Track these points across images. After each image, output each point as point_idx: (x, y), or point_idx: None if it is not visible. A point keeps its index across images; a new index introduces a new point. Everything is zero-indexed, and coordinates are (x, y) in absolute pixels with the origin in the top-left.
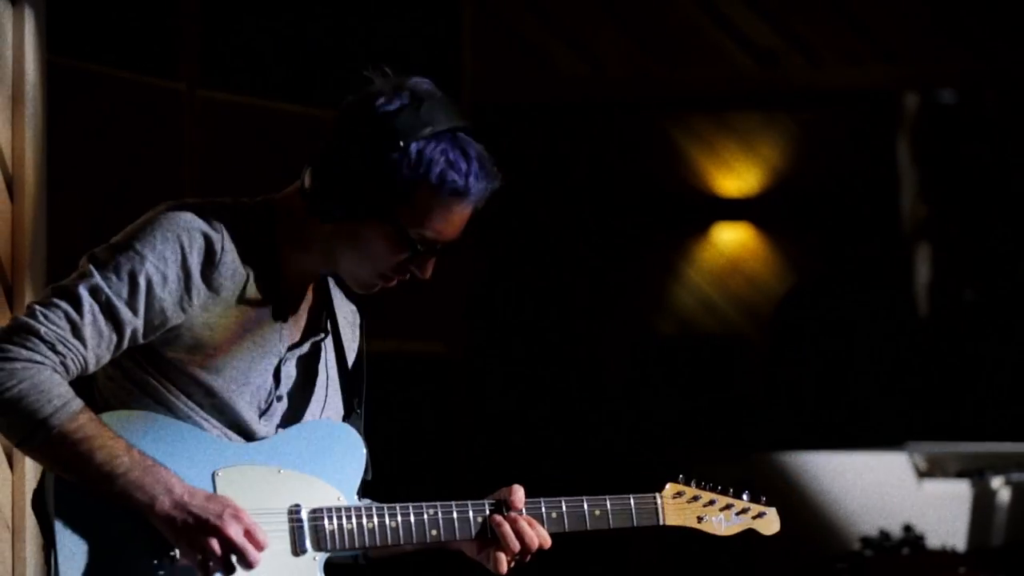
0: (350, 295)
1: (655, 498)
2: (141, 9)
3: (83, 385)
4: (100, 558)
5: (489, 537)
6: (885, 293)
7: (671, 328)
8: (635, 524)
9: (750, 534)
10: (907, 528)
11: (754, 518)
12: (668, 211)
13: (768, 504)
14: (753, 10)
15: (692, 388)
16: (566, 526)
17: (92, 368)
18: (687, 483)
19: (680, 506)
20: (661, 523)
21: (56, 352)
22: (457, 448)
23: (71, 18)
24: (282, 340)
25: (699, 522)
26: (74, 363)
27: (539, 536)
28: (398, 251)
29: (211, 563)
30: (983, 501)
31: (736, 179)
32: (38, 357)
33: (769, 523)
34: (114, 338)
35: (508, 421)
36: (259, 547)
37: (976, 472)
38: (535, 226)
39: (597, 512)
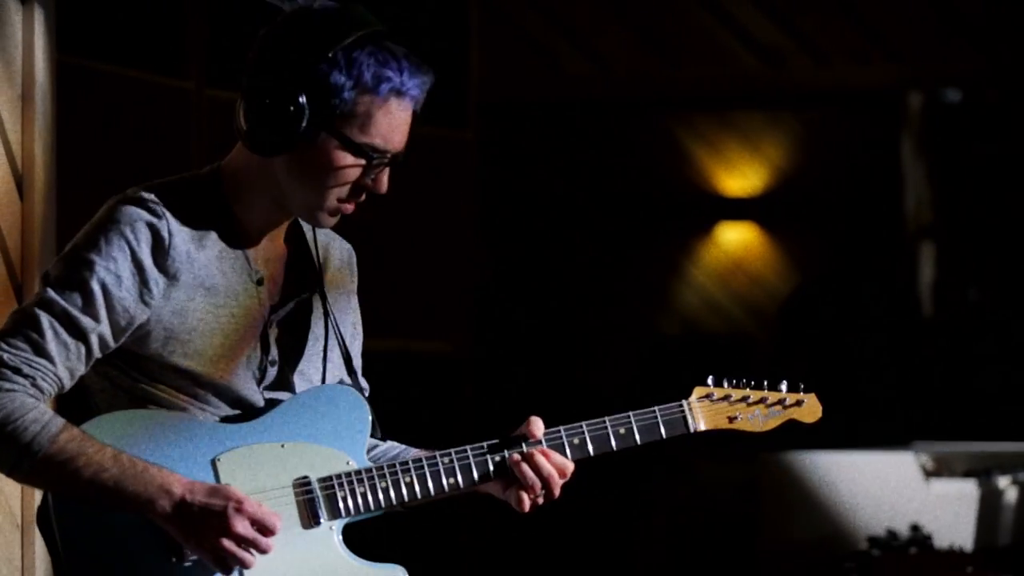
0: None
1: (682, 405)
2: (149, 8)
3: (80, 401)
4: (110, 565)
5: (510, 476)
6: (889, 292)
7: (675, 327)
8: (664, 436)
9: (791, 426)
10: (914, 528)
11: (789, 407)
12: (672, 210)
13: (807, 392)
14: (758, 8)
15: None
16: (591, 450)
17: (69, 383)
18: (717, 383)
19: (709, 408)
20: (692, 430)
21: (23, 375)
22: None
23: (79, 17)
24: (262, 304)
25: (732, 422)
26: (46, 382)
27: (558, 465)
28: (349, 166)
29: (225, 560)
30: (990, 501)
31: (740, 178)
32: (6, 384)
33: (810, 410)
34: (81, 349)
35: (514, 420)
36: (270, 532)
37: (983, 472)
38: (540, 224)
39: (622, 431)
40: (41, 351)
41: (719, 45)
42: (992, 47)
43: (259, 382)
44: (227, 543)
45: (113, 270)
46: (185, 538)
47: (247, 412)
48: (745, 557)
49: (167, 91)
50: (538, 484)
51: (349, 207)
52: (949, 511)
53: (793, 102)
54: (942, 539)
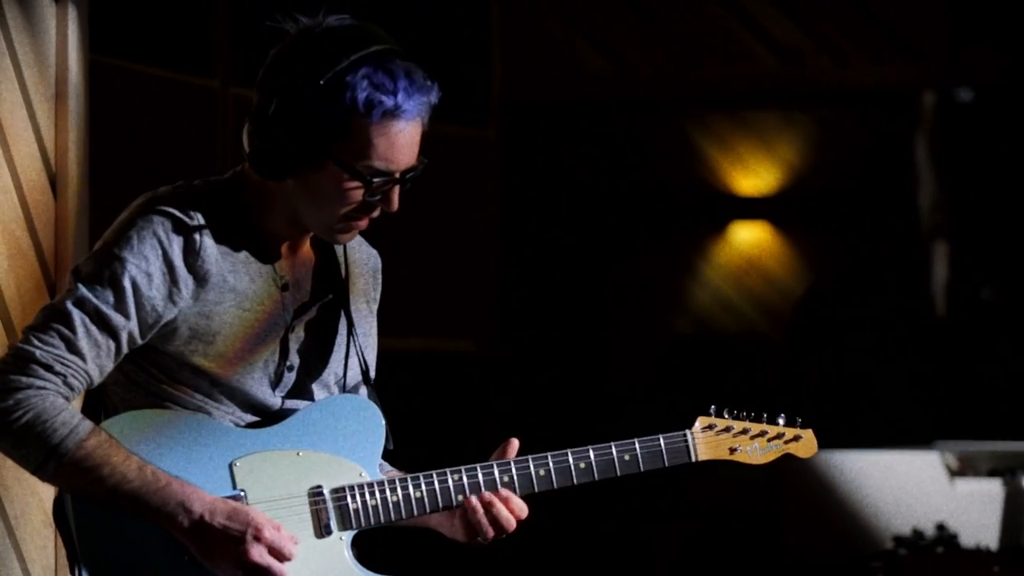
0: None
1: (685, 435)
2: (175, 7)
3: (93, 392)
4: (125, 563)
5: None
6: (902, 292)
7: (688, 327)
8: (666, 464)
9: (785, 461)
10: (940, 527)
11: (788, 442)
12: (686, 210)
13: (804, 427)
14: (778, 9)
15: (711, 387)
16: (595, 474)
17: (98, 379)
18: (719, 414)
19: (711, 439)
20: (694, 460)
21: (55, 373)
22: (486, 445)
23: (110, 17)
24: (286, 309)
25: (732, 453)
26: (76, 379)
27: (516, 512)
28: (352, 189)
29: None
30: (1015, 500)
31: (754, 178)
32: (39, 382)
33: (807, 446)
34: (112, 345)
35: (535, 418)
36: (285, 559)
37: (1008, 471)
38: (558, 223)
39: (626, 457)
40: (73, 348)
41: (739, 45)
42: (1003, 47)
43: (274, 386)
44: (242, 571)
45: (144, 269)
46: (201, 555)
47: (260, 415)
48: (770, 557)
49: (193, 89)
50: (489, 532)
51: (361, 224)
52: (974, 510)
53: (807, 102)
54: (967, 538)
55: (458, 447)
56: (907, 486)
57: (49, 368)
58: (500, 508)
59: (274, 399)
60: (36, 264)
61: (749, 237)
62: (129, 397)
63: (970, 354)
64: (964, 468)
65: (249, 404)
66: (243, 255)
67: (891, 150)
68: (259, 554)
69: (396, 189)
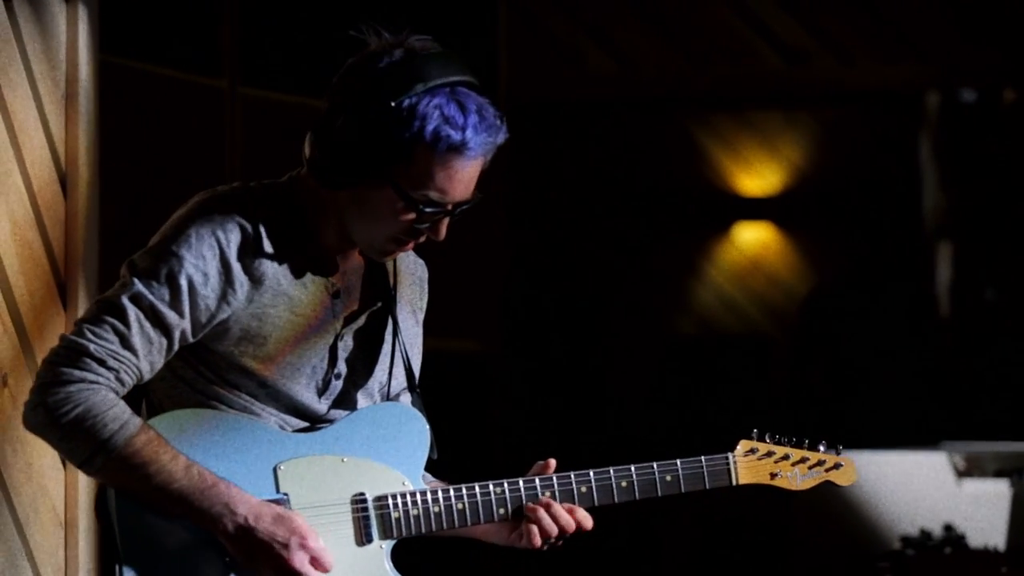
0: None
1: (727, 458)
2: (183, 7)
3: (136, 388)
4: (165, 562)
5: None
6: (906, 292)
7: (692, 327)
8: (707, 487)
9: (828, 491)
10: (948, 527)
11: (829, 470)
12: (689, 210)
13: (843, 455)
14: (784, 9)
15: (714, 387)
16: (637, 494)
17: (148, 376)
18: (760, 438)
19: (752, 464)
20: (734, 483)
21: (108, 368)
22: (490, 446)
23: (119, 17)
24: (336, 317)
25: (772, 479)
26: (128, 375)
27: (579, 520)
28: (404, 214)
29: None
30: (1022, 500)
31: (757, 178)
32: (91, 376)
33: (846, 474)
34: (164, 342)
35: (539, 419)
36: (325, 570)
37: (1015, 471)
38: (562, 222)
39: (668, 477)
40: (127, 344)
41: (743, 44)
42: (1010, 48)
43: (320, 393)
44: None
45: (201, 268)
46: (243, 558)
47: (305, 420)
48: (777, 557)
49: (201, 89)
50: (553, 532)
51: (405, 248)
52: (981, 511)
53: (811, 102)
54: (975, 539)
55: (462, 447)
56: (914, 486)
57: (103, 363)
58: (558, 511)
59: (319, 406)
60: (46, 263)
61: (753, 237)
62: (174, 394)
63: (974, 354)
64: (971, 468)
65: (294, 408)
66: (297, 260)
67: (895, 150)
68: (301, 562)
69: (446, 221)
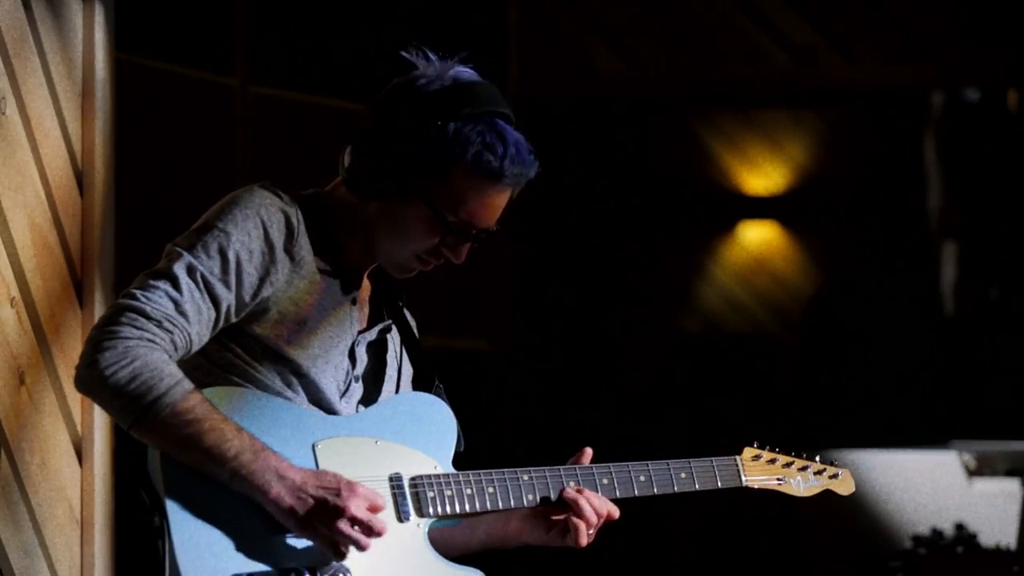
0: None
1: (735, 460)
2: (199, 7)
3: None
4: (214, 530)
5: (567, 509)
6: (911, 292)
7: (698, 326)
8: (719, 485)
9: (826, 496)
10: (959, 527)
11: (830, 479)
12: (695, 209)
13: (841, 466)
14: (791, 8)
15: (720, 386)
16: (655, 488)
17: (195, 347)
18: (762, 447)
19: (758, 468)
20: (744, 484)
21: (164, 329)
22: (500, 442)
23: (134, 15)
24: (352, 323)
25: (779, 483)
26: (180, 340)
27: (610, 509)
28: (433, 233)
29: (339, 543)
30: None
31: (763, 177)
32: (148, 335)
33: (845, 483)
34: (212, 315)
35: (548, 416)
36: (380, 508)
37: None
38: (569, 222)
39: (683, 475)
40: (181, 309)
41: (750, 43)
42: (1015, 47)
43: (341, 393)
44: (343, 526)
45: (247, 245)
46: (299, 525)
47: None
48: (788, 557)
49: (212, 87)
50: (594, 519)
51: (425, 267)
52: (992, 510)
53: (816, 101)
54: (987, 538)
55: (472, 444)
56: (925, 486)
57: (159, 324)
58: (593, 497)
59: (340, 406)
60: (63, 260)
61: (758, 236)
62: (208, 380)
63: (981, 353)
64: (982, 468)
65: (320, 403)
66: (327, 261)
67: (900, 149)
68: (358, 507)
69: (468, 245)
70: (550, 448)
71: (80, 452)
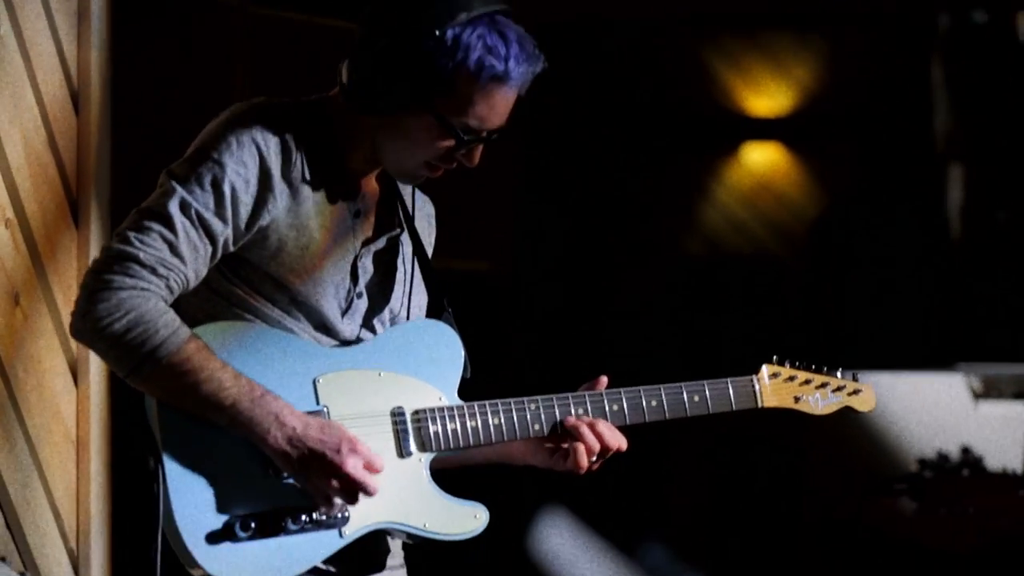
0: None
1: (752, 380)
2: None
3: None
4: (209, 473)
5: (569, 436)
6: (918, 213)
7: (700, 248)
8: (734, 408)
9: (844, 413)
10: (965, 450)
11: (850, 395)
12: (698, 130)
13: (862, 382)
14: None
15: (725, 308)
16: (667, 413)
17: (193, 284)
18: (781, 363)
19: (776, 387)
20: (760, 406)
21: (158, 275)
22: (503, 366)
23: None
24: (355, 236)
25: (796, 402)
26: (176, 283)
27: (619, 440)
28: (442, 141)
29: (332, 498)
30: None
31: (767, 99)
32: (143, 284)
33: (865, 400)
34: (209, 250)
35: (550, 339)
36: (377, 472)
37: None
38: (571, 144)
39: (696, 398)
40: (176, 251)
41: None
42: None
43: (344, 312)
44: (337, 483)
45: (243, 174)
46: (294, 471)
47: (332, 339)
48: (793, 481)
49: (212, 7)
50: (596, 446)
51: (437, 173)
52: (999, 433)
53: (821, 22)
54: (993, 461)
55: (474, 368)
56: (931, 409)
57: (153, 270)
58: (602, 427)
59: (343, 325)
60: (58, 180)
61: (761, 158)
62: (208, 308)
63: (986, 276)
64: (988, 391)
65: (323, 326)
66: (326, 176)
67: (906, 72)
68: (355, 466)
69: (480, 148)
70: (554, 372)
71: (76, 373)
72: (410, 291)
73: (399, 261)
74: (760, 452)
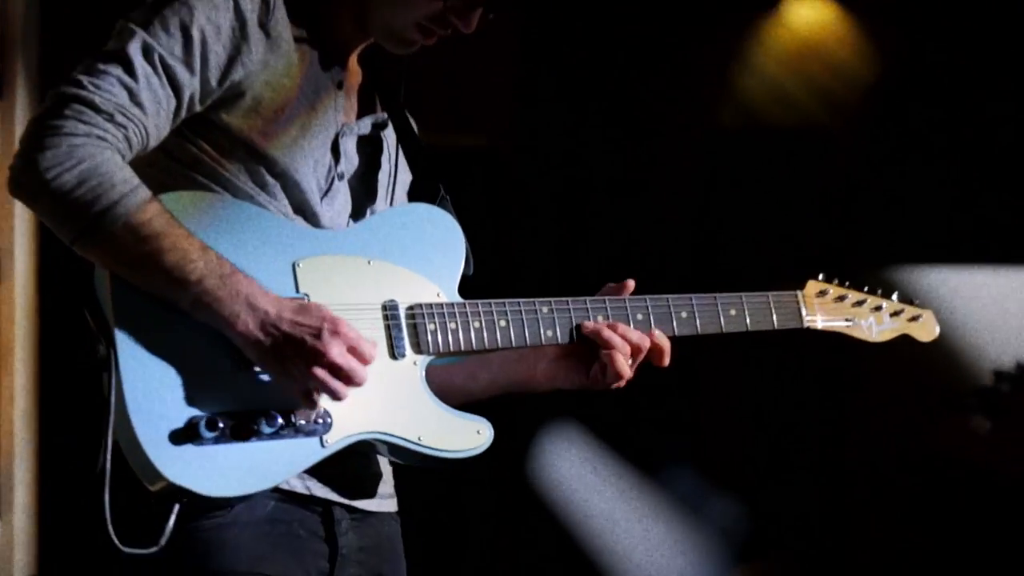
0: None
1: (796, 297)
2: None
3: None
4: (170, 363)
5: (593, 345)
6: (989, 80)
7: (738, 120)
8: (775, 327)
9: (902, 342)
10: None
11: (909, 321)
12: None
13: (922, 306)
14: None
15: (764, 186)
16: (698, 327)
17: (152, 145)
18: (828, 280)
19: (824, 306)
20: (805, 325)
21: (116, 124)
22: (505, 250)
23: None
24: (337, 110)
25: (848, 326)
26: (136, 136)
27: (657, 340)
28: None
29: (312, 391)
30: None
31: None
32: (98, 131)
33: (926, 327)
34: (172, 104)
35: (558, 223)
36: (366, 361)
37: None
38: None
39: (732, 312)
40: (135, 99)
41: None
42: None
43: (323, 193)
44: (319, 372)
45: (214, 19)
46: (266, 362)
47: (306, 221)
48: (847, 393)
49: None
50: (627, 348)
51: (428, 40)
52: None
53: None
54: None
55: (479, 265)
56: (1011, 312)
57: (110, 118)
58: (627, 329)
59: (321, 208)
60: None
61: (808, 17)
62: (168, 180)
63: None
64: None
65: (301, 208)
66: (310, 36)
67: None
68: (339, 352)
69: (479, 12)
70: (565, 268)
71: None
72: (393, 190)
73: (383, 158)
74: (805, 364)
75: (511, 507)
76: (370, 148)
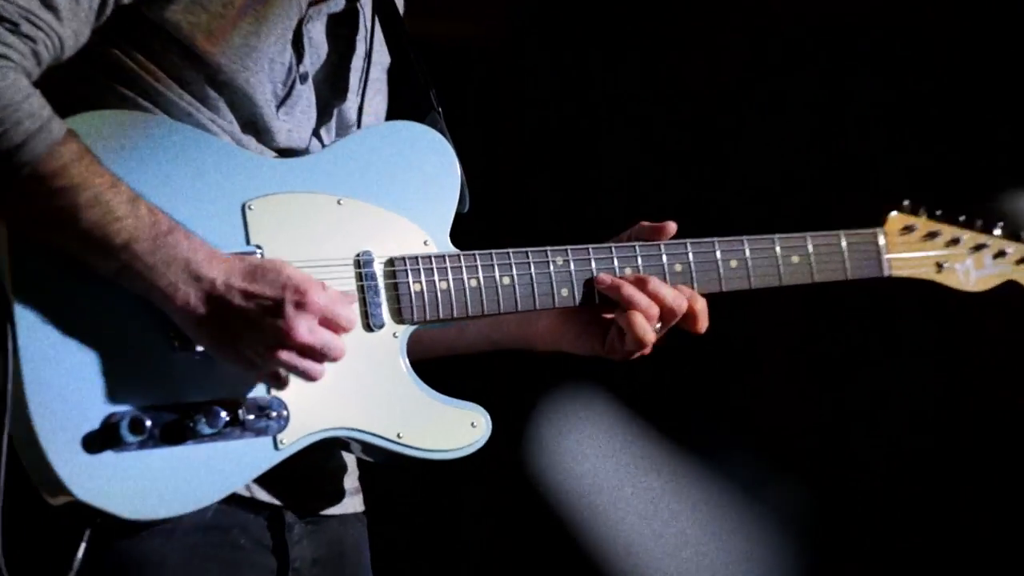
0: None
1: (875, 235)
2: None
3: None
4: (84, 344)
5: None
6: None
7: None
8: (848, 276)
9: (1008, 289)
10: None
11: (1018, 264)
12: None
13: None
14: None
15: (810, 97)
16: (751, 280)
17: (69, 52)
18: (915, 211)
19: (911, 246)
20: (886, 273)
21: (22, 35)
22: (497, 162)
23: None
24: None
25: (939, 271)
26: (47, 48)
27: (690, 297)
28: None
29: (280, 375)
30: None
31: None
32: None
33: None
34: (95, 2)
35: (550, 121)
36: (344, 329)
37: None
38: None
39: (795, 259)
40: (47, 2)
41: None
42: None
43: (280, 102)
44: (284, 355)
45: None
46: (216, 344)
47: (263, 144)
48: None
49: None
50: (654, 310)
51: None
52: None
53: None
54: None
55: (466, 174)
56: None
57: (15, 28)
58: (659, 285)
59: (278, 122)
60: None
61: None
62: (84, 91)
63: None
64: None
65: (251, 123)
66: None
67: None
68: (307, 330)
69: None
70: (582, 205)
71: None
72: (364, 86)
73: (359, 39)
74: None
75: (511, 507)
76: (344, 29)
